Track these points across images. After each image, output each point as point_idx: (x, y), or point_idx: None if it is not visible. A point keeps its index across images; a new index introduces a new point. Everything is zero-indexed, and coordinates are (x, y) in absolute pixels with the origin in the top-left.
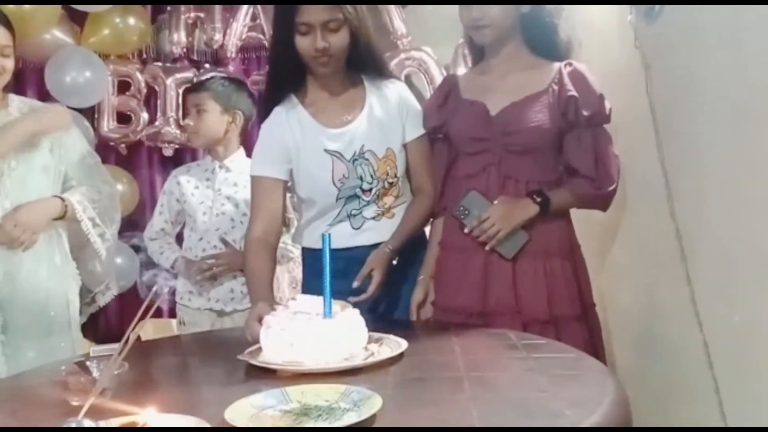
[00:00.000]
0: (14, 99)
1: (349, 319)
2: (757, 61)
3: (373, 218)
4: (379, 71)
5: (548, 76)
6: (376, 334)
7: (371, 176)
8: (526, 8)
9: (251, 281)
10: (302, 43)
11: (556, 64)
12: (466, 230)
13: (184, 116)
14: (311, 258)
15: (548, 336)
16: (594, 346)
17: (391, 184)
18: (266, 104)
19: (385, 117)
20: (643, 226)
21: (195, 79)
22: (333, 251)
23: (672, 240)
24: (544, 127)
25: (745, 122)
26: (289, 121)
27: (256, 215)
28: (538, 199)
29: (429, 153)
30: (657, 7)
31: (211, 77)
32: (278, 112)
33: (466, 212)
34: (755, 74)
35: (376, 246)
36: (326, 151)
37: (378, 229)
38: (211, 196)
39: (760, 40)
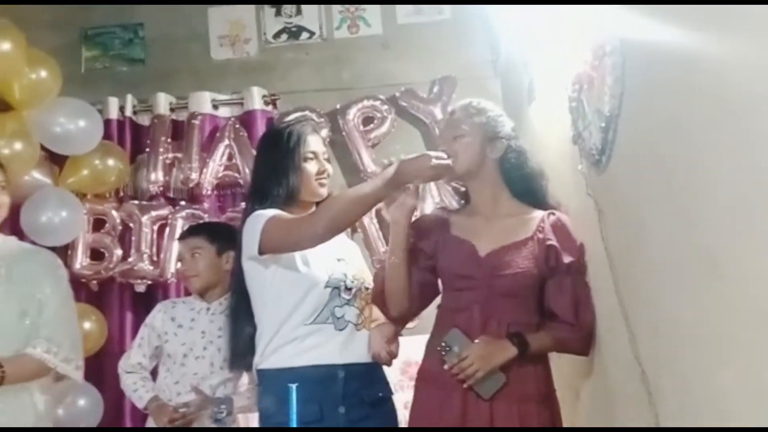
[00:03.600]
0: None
1: None
2: (700, 207)
3: (356, 325)
4: None
5: (533, 224)
6: None
7: (353, 277)
8: (499, 152)
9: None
10: (310, 166)
11: (539, 213)
12: (446, 366)
13: (158, 253)
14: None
15: None
16: None
17: (367, 289)
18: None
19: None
20: (610, 367)
21: (170, 216)
22: (328, 367)
23: (638, 383)
24: (529, 273)
25: (699, 266)
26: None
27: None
28: (517, 342)
29: None
30: (604, 158)
31: (202, 223)
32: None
33: (448, 348)
34: (701, 218)
35: (369, 365)
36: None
37: (364, 343)
38: (194, 338)
39: (703, 187)
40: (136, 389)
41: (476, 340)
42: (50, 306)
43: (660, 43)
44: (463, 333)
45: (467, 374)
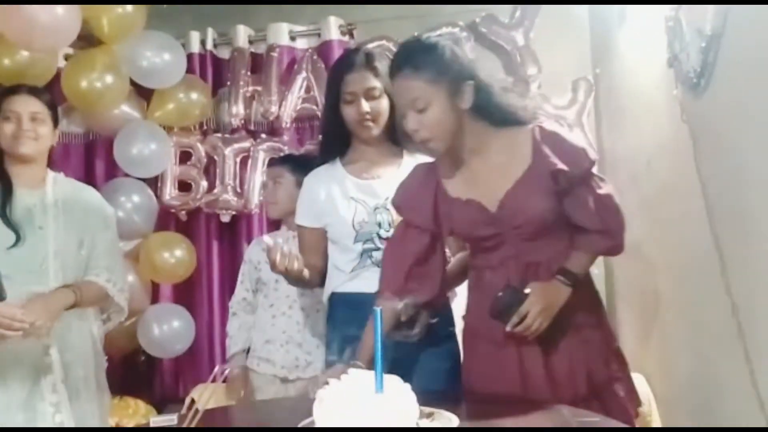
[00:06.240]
0: (51, 178)
1: (400, 394)
2: None
3: None
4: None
5: (526, 149)
6: (427, 409)
7: (389, 224)
8: (470, 100)
9: None
10: (348, 109)
11: (526, 131)
12: (507, 329)
13: (241, 185)
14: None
15: (592, 408)
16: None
17: None
18: (317, 163)
19: None
20: (698, 299)
21: (252, 149)
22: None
23: (728, 315)
24: (547, 207)
25: None
26: (328, 176)
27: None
28: (566, 278)
29: None
30: (702, 81)
31: (288, 154)
32: (318, 171)
33: (506, 313)
34: None
35: None
36: (352, 197)
37: None
38: None
39: None
40: (232, 336)
41: (527, 290)
42: (106, 239)
43: None
44: (512, 288)
45: (533, 331)
